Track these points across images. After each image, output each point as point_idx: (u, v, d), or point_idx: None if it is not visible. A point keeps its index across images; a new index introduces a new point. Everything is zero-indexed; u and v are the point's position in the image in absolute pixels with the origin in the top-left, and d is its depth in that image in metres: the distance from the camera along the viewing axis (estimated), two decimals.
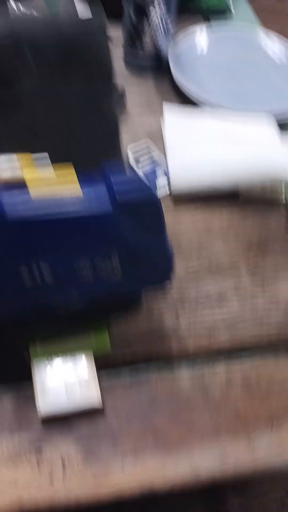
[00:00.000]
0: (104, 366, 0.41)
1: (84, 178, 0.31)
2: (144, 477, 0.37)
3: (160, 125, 0.61)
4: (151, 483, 0.37)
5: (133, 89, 0.67)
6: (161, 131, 0.60)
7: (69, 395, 0.38)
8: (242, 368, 0.43)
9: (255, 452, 0.39)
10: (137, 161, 0.56)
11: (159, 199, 0.31)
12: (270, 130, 0.57)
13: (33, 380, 0.39)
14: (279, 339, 0.45)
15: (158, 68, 0.71)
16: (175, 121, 0.58)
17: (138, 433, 0.39)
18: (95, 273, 0.33)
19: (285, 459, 0.39)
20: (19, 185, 0.31)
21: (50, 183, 0.31)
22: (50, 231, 0.30)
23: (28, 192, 0.30)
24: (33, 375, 0.39)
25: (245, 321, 0.46)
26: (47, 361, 0.39)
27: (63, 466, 0.37)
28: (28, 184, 0.31)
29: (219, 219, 0.54)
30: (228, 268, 0.50)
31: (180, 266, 0.49)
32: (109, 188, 0.30)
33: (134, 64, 0.72)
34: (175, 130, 0.57)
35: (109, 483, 0.37)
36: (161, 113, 0.63)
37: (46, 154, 0.35)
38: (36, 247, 0.30)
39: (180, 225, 0.53)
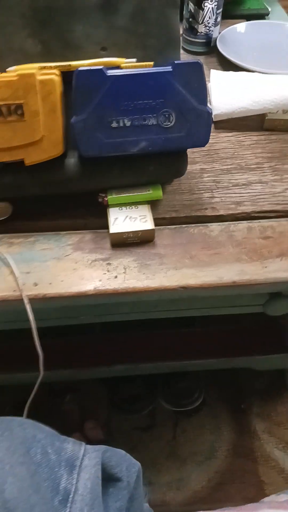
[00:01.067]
0: (155, 223, 0.57)
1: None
2: (181, 279, 0.51)
3: (208, 87, 0.79)
4: (187, 283, 0.51)
5: None
6: (208, 89, 0.78)
7: (132, 222, 0.54)
8: (260, 225, 0.57)
9: (267, 270, 0.52)
10: None
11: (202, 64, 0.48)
12: None
13: (108, 218, 0.55)
14: None
15: (208, 53, 0.90)
16: (219, 74, 0.76)
17: (178, 257, 0.54)
18: (157, 124, 0.50)
19: None
20: (116, 67, 0.49)
21: (135, 66, 0.50)
22: (131, 84, 0.47)
23: (119, 68, 0.49)
24: (108, 215, 0.55)
25: (265, 199, 0.60)
26: (118, 208, 0.56)
27: (125, 272, 0.53)
28: (121, 66, 0.49)
29: (249, 140, 0.69)
30: (255, 168, 0.64)
31: (216, 166, 0.65)
32: (171, 62, 0.48)
33: (189, 50, 0.91)
34: (218, 78, 0.74)
35: (156, 281, 0.51)
36: (209, 79, 0.81)
37: (134, 59, 0.53)
38: (122, 97, 0.48)
39: (218, 143, 0.69)
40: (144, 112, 0.50)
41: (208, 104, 0.73)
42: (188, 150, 0.66)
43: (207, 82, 0.75)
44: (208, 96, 0.74)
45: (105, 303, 0.59)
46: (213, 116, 0.71)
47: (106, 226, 0.55)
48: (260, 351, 0.79)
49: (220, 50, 0.85)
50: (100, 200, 0.56)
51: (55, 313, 0.61)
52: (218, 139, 0.69)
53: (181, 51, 0.91)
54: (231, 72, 0.78)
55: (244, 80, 0.74)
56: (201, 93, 0.50)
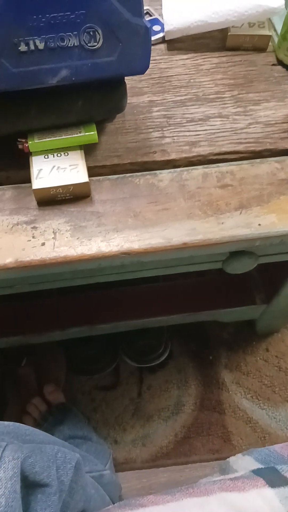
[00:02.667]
0: (93, 173, 0.47)
1: None
2: (123, 243, 0.43)
3: None
4: (129, 248, 0.43)
5: None
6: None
7: (60, 174, 0.44)
8: (218, 170, 0.48)
9: (223, 227, 0.43)
10: None
11: None
12: None
13: (31, 170, 0.45)
14: (255, 151, 0.49)
15: None
16: None
17: (120, 216, 0.45)
18: (80, 45, 0.38)
19: (249, 232, 0.43)
20: None
21: None
22: None
23: None
24: (31, 167, 0.45)
25: (225, 137, 0.50)
26: (43, 157, 0.45)
27: (54, 237, 0.43)
28: None
29: (208, 63, 0.57)
30: (214, 98, 0.53)
31: (168, 97, 0.53)
32: None
33: None
34: None
35: (93, 247, 0.43)
36: None
37: None
38: (28, 7, 0.36)
39: (171, 68, 0.57)
40: (61, 29, 0.38)
41: (159, 17, 0.60)
42: (133, 78, 0.55)
43: None
44: (160, 6, 0.61)
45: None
46: (164, 33, 0.58)
47: (30, 180, 0.45)
48: (225, 304, 0.74)
49: None
50: (20, 146, 0.45)
51: None
52: (171, 64, 0.57)
53: None
54: None
55: None
56: (134, 0, 0.38)
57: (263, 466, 0.49)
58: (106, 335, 0.78)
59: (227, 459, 0.59)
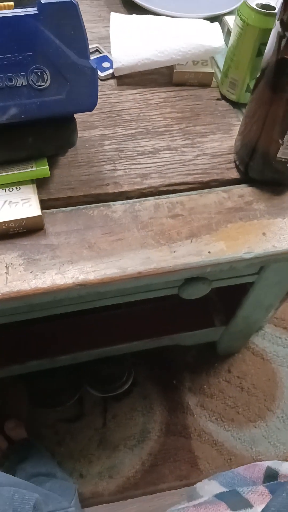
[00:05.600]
0: (47, 206, 0.48)
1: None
2: (78, 275, 0.43)
3: (109, 32, 0.67)
4: (84, 279, 0.43)
5: (85, 7, 0.74)
6: (109, 35, 0.66)
7: (12, 209, 0.44)
8: (169, 201, 0.49)
9: (176, 256, 0.45)
10: None
11: (77, 3, 0.37)
12: (200, 21, 0.63)
13: None
14: (203, 182, 0.51)
15: None
16: (120, 19, 0.64)
17: (74, 248, 0.45)
18: (29, 85, 0.39)
19: (200, 259, 0.44)
20: None
21: None
22: None
23: None
24: None
25: (175, 169, 0.52)
26: None
27: (7, 271, 0.43)
28: None
29: (157, 97, 0.60)
30: (163, 132, 0.56)
31: (119, 130, 0.55)
32: (38, 2, 0.37)
33: None
34: (119, 24, 0.63)
35: (47, 280, 0.43)
36: (109, 21, 0.69)
37: None
38: None
39: (121, 102, 0.59)
40: (9, 69, 0.39)
41: (108, 54, 0.63)
42: (84, 112, 0.56)
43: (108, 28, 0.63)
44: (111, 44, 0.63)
45: None
46: (113, 70, 0.60)
47: None
48: (186, 327, 0.75)
49: None
50: None
51: None
52: (121, 98, 0.59)
53: None
54: (134, 16, 0.67)
55: (148, 26, 0.64)
56: (80, 43, 0.40)
57: (226, 490, 0.50)
58: (68, 366, 0.77)
59: (194, 485, 0.59)
